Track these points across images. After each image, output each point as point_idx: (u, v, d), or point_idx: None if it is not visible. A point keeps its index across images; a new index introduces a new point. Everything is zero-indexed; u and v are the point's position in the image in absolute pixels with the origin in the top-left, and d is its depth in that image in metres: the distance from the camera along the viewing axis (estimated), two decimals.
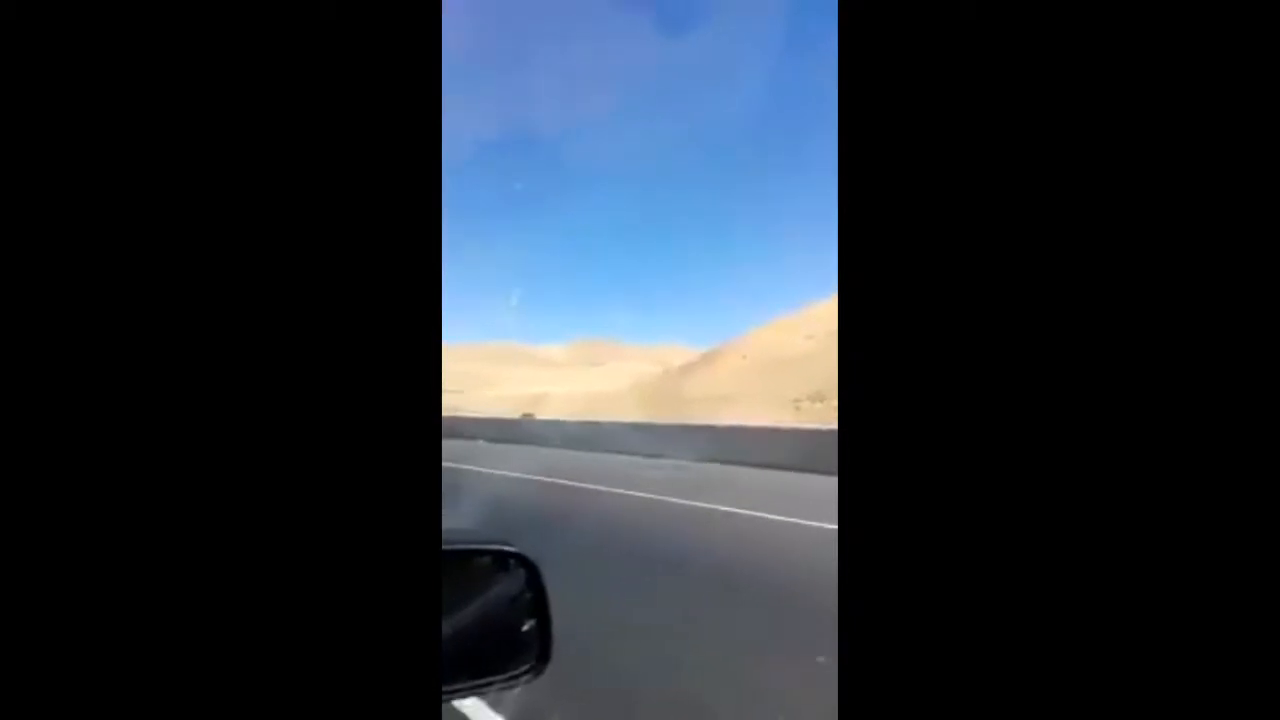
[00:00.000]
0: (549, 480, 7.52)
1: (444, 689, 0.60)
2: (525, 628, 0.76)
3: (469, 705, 1.85)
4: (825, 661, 2.00)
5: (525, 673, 0.73)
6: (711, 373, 30.45)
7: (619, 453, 11.33)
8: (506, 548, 0.77)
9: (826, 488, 4.98)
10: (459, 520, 4.54)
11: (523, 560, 0.77)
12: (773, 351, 28.23)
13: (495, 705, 1.87)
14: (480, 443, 14.56)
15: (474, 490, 6.71)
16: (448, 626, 0.65)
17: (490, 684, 0.72)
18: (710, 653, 2.22)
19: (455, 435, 15.53)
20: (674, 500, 6.00)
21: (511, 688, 0.73)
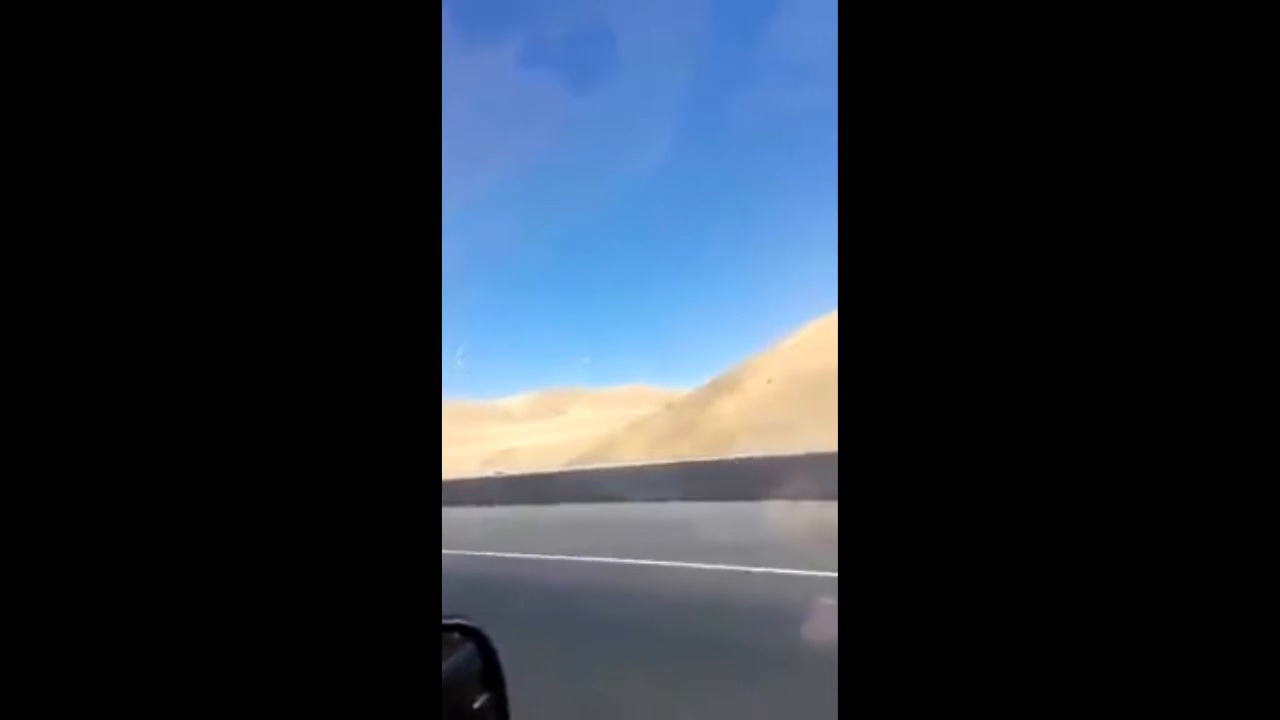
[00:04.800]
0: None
1: None
2: (478, 705, 0.71)
3: None
4: None
5: None
6: (735, 402, 26.62)
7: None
8: (453, 619, 0.72)
9: None
10: None
11: (472, 632, 0.73)
12: (804, 370, 24.75)
13: None
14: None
15: None
16: None
17: None
18: None
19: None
20: None
21: None
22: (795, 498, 7.15)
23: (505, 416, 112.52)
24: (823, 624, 2.66)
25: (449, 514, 11.34)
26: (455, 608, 0.70)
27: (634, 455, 26.86)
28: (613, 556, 5.27)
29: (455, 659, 0.72)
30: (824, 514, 6.16)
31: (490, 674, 0.71)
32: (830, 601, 3.14)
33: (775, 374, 28.52)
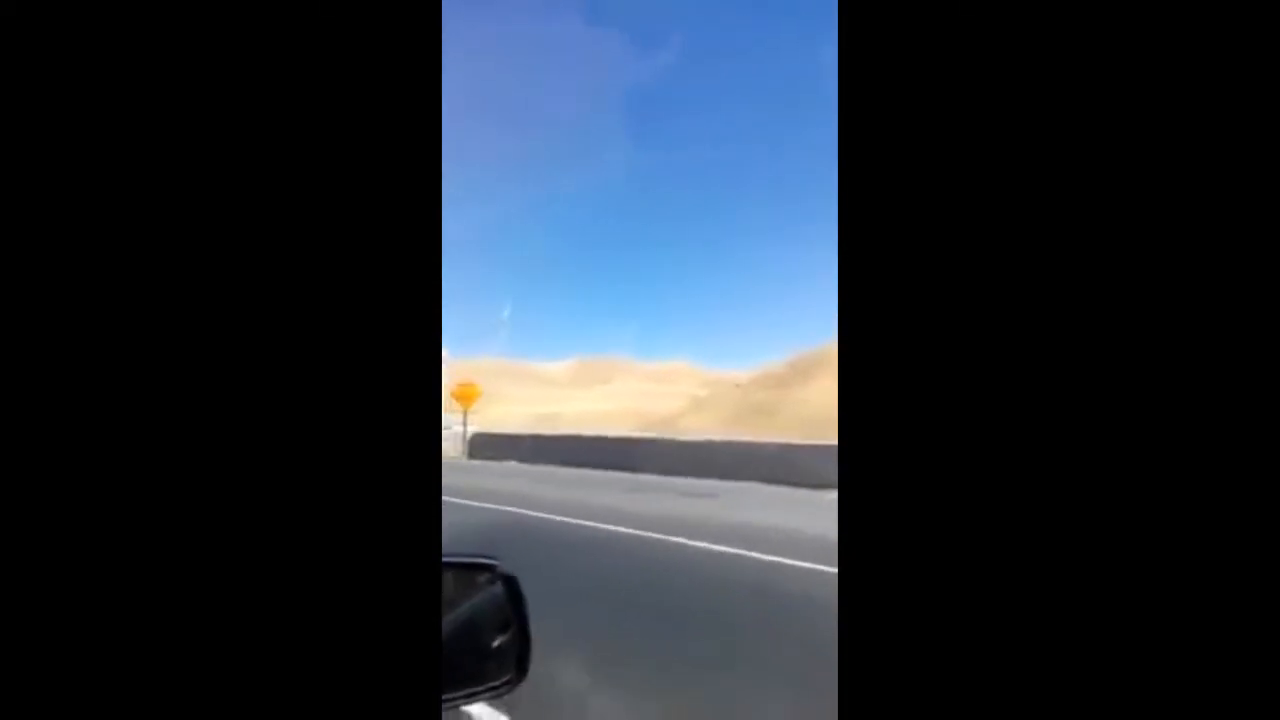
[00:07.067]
0: None
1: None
2: (497, 643, 0.74)
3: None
4: None
5: (503, 685, 0.72)
6: (821, 388, 25.49)
7: None
8: (485, 560, 0.76)
9: None
10: None
11: (501, 574, 0.76)
12: None
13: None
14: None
15: None
16: None
17: (472, 695, 0.70)
18: None
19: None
20: None
21: (493, 699, 0.72)
22: None
23: (546, 380, 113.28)
24: None
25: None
26: None
27: (700, 433, 26.06)
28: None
29: (482, 599, 0.74)
30: None
31: (517, 616, 0.73)
32: None
33: None
